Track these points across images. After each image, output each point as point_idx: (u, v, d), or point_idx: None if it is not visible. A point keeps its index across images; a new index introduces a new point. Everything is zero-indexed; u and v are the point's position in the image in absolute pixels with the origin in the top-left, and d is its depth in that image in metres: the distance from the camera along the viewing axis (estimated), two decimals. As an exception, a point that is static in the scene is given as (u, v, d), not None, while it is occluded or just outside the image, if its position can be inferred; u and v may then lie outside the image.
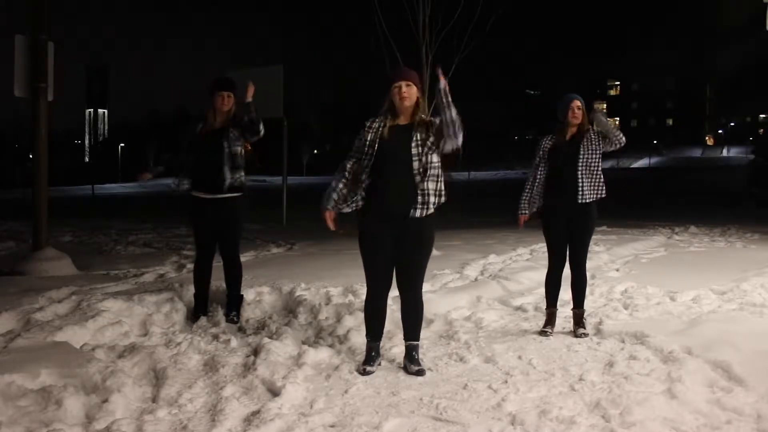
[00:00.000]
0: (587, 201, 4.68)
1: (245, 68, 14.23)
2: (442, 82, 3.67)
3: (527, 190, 4.85)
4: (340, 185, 3.92)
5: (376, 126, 3.88)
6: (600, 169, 4.74)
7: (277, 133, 14.28)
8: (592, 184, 4.71)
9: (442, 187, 3.86)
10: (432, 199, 3.81)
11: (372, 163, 3.84)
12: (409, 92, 3.82)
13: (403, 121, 3.88)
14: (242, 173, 5.11)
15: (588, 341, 4.50)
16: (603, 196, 4.75)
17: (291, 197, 15.22)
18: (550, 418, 3.09)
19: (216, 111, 5.05)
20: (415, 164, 3.79)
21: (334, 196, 3.90)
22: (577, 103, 4.73)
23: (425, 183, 3.79)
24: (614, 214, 16.02)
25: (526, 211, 4.84)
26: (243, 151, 5.10)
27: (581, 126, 4.74)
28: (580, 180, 4.67)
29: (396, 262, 3.91)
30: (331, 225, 3.92)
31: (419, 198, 3.78)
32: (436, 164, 3.83)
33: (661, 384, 3.54)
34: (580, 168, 4.67)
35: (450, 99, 3.67)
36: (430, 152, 3.81)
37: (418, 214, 3.79)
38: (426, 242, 3.92)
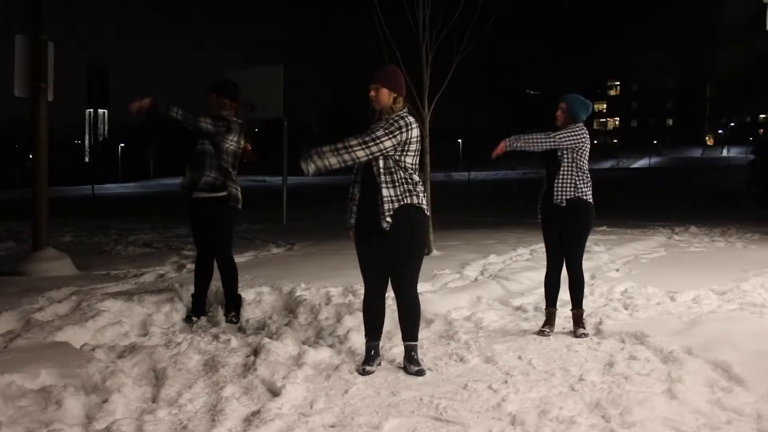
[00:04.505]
0: (562, 203, 4.63)
1: (245, 69, 14.24)
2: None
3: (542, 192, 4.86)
4: (348, 201, 3.95)
5: None
6: (583, 170, 4.68)
7: (277, 133, 14.31)
8: (571, 185, 4.64)
9: (402, 192, 3.72)
10: (387, 206, 3.70)
11: (358, 170, 3.87)
12: (377, 96, 3.80)
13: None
14: (222, 175, 5.06)
15: (588, 341, 4.50)
16: (587, 197, 4.67)
17: (291, 197, 15.23)
18: (550, 418, 3.09)
19: (209, 111, 5.12)
20: (375, 169, 3.74)
21: (349, 214, 3.92)
22: (563, 105, 4.74)
23: (384, 189, 3.71)
24: (614, 214, 16.03)
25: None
26: (233, 154, 5.09)
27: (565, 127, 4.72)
28: (557, 182, 4.65)
29: (386, 262, 3.90)
30: (353, 240, 3.99)
31: (381, 207, 3.71)
32: (393, 168, 3.72)
33: (661, 384, 3.54)
34: (561, 170, 4.64)
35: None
36: (386, 157, 3.71)
37: (384, 225, 3.72)
38: (410, 242, 3.82)
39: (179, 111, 4.95)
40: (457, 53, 8.87)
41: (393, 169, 3.74)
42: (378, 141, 3.67)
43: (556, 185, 4.65)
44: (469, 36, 8.77)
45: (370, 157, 3.69)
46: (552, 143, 4.61)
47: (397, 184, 3.73)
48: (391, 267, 3.87)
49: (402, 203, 3.73)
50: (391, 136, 3.69)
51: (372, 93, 3.80)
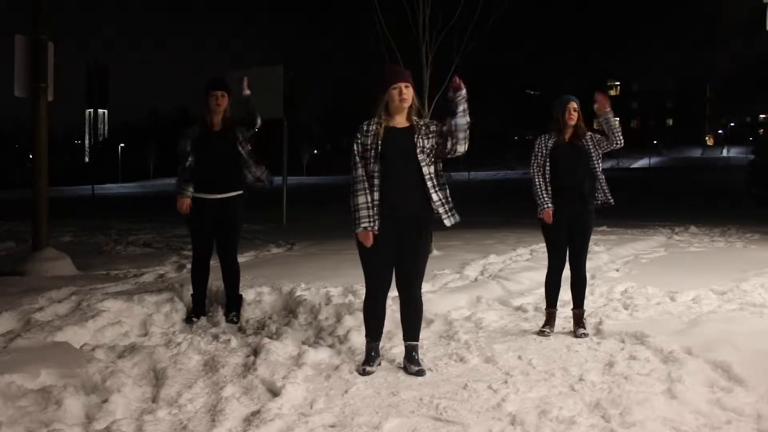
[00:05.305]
0: (590, 207, 4.70)
1: (245, 69, 14.23)
2: (463, 91, 3.71)
3: (540, 185, 4.71)
4: (365, 198, 3.80)
5: (373, 129, 3.86)
6: (600, 171, 4.74)
7: (277, 133, 14.31)
8: (593, 187, 4.72)
9: (449, 195, 3.93)
10: (447, 207, 3.87)
11: (377, 166, 3.81)
12: (408, 93, 3.83)
13: (399, 122, 3.87)
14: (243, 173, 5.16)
15: (588, 341, 4.50)
16: (609, 200, 4.77)
17: (291, 197, 15.23)
18: (550, 418, 3.09)
19: (211, 111, 5.06)
20: (425, 170, 3.81)
21: (368, 213, 3.78)
22: (573, 104, 4.72)
23: (438, 192, 3.84)
24: (614, 214, 16.01)
25: (549, 204, 4.68)
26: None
27: (577, 127, 4.73)
28: (580, 183, 4.67)
29: (396, 262, 3.91)
30: (370, 243, 3.82)
31: (443, 206, 3.83)
32: (439, 172, 3.90)
33: (661, 384, 3.54)
34: (579, 171, 4.67)
35: (466, 106, 3.73)
36: (436, 161, 3.87)
37: (448, 222, 3.85)
38: (426, 243, 3.95)
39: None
40: (457, 53, 8.87)
41: (439, 174, 3.88)
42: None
43: (603, 188, 4.73)
44: (469, 36, 8.77)
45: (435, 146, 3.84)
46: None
47: (445, 188, 3.90)
48: (403, 266, 3.90)
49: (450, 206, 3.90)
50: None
51: (404, 91, 3.81)
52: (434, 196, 3.83)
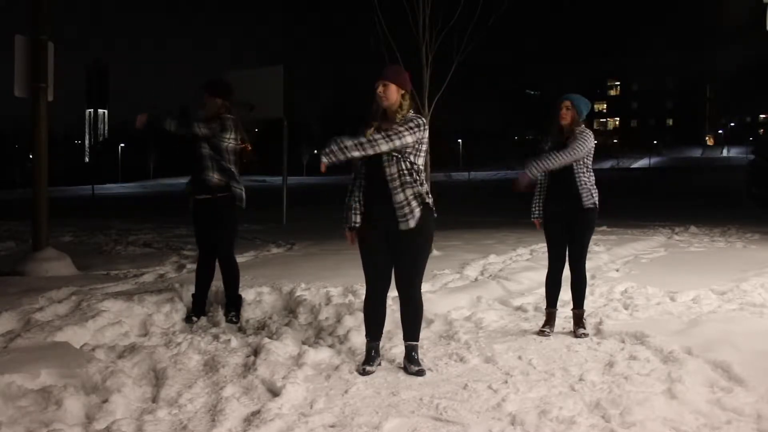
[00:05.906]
0: (587, 206, 4.66)
1: (245, 69, 14.24)
2: None
3: (536, 193, 4.82)
4: (347, 199, 3.93)
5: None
6: (591, 170, 4.70)
7: (277, 133, 14.32)
8: (593, 188, 4.69)
9: (422, 191, 3.78)
10: (406, 210, 3.75)
11: (362, 168, 3.86)
12: (386, 92, 3.79)
13: (388, 125, 3.84)
14: (226, 176, 5.08)
15: (588, 341, 4.50)
16: (595, 201, 4.69)
17: (291, 197, 15.23)
18: (550, 418, 3.09)
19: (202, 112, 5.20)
20: (387, 170, 3.75)
21: (345, 214, 3.92)
22: (567, 103, 4.68)
23: (400, 193, 3.74)
24: (614, 214, 16.02)
25: (538, 215, 4.81)
26: (233, 152, 5.12)
27: (572, 127, 4.70)
28: (575, 183, 4.65)
29: (394, 262, 3.91)
30: (351, 243, 3.99)
31: (403, 208, 3.74)
32: (410, 170, 3.76)
33: (661, 384, 3.54)
34: (575, 171, 4.65)
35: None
36: (402, 159, 3.75)
37: (402, 227, 3.77)
38: (422, 242, 3.88)
39: (172, 123, 5.10)
40: (457, 53, 8.87)
41: (410, 171, 3.77)
42: (401, 136, 3.70)
43: (582, 190, 4.62)
44: (469, 36, 8.77)
45: (392, 150, 3.71)
46: (572, 158, 4.56)
47: (414, 185, 3.77)
48: (399, 266, 3.89)
49: (422, 204, 3.79)
50: (411, 132, 3.73)
51: (380, 89, 3.79)
52: (396, 197, 3.74)
